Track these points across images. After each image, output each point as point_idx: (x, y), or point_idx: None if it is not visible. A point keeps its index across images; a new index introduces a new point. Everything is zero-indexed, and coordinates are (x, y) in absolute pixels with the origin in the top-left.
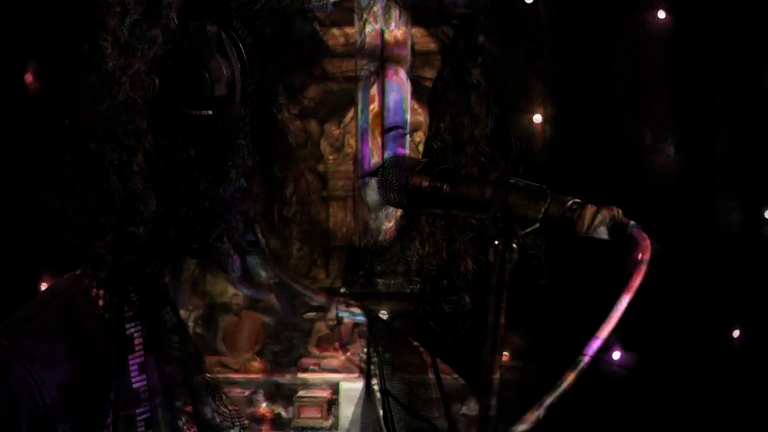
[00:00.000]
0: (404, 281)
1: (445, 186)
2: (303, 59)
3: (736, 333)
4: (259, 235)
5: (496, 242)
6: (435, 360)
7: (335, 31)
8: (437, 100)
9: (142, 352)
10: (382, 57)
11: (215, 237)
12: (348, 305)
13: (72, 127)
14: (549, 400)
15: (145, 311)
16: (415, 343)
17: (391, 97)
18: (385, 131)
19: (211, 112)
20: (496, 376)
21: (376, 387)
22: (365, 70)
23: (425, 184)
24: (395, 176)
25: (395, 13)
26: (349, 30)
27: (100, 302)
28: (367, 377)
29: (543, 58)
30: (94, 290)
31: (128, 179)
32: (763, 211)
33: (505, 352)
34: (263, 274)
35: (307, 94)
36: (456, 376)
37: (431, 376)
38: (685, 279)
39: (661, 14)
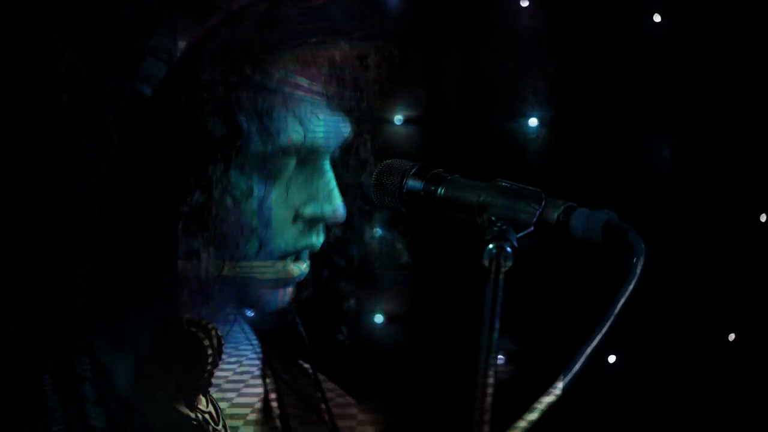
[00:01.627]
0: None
1: (439, 189)
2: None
3: (731, 337)
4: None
5: (491, 246)
6: (315, 372)
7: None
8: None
9: (53, 372)
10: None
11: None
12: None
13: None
14: (524, 423)
15: (63, 387)
16: (305, 366)
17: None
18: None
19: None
20: (491, 380)
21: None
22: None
23: (419, 187)
24: (390, 180)
25: None
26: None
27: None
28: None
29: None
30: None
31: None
32: (759, 215)
33: (499, 356)
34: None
35: None
36: (341, 392)
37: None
38: (680, 283)
39: (657, 18)
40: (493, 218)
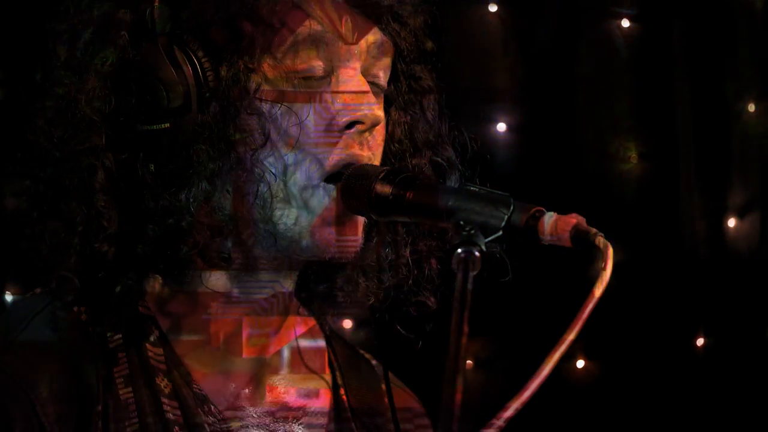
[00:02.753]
0: (366, 290)
1: (408, 194)
2: (255, 62)
3: (700, 341)
4: (229, 250)
5: (459, 250)
6: (387, 374)
7: (286, 31)
8: (391, 105)
9: (126, 365)
10: (335, 55)
11: (185, 253)
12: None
13: (28, 153)
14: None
15: (125, 326)
16: (367, 356)
17: (349, 93)
18: (344, 127)
19: (168, 125)
20: (460, 383)
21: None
22: (320, 67)
23: (388, 191)
24: (358, 185)
25: (343, 8)
26: (300, 29)
27: (83, 317)
28: (335, 393)
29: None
30: (76, 307)
31: (89, 198)
32: (726, 220)
33: (468, 360)
34: (232, 290)
35: (262, 96)
36: (405, 387)
37: (384, 387)
38: (648, 287)
39: (625, 23)
40: (461, 222)
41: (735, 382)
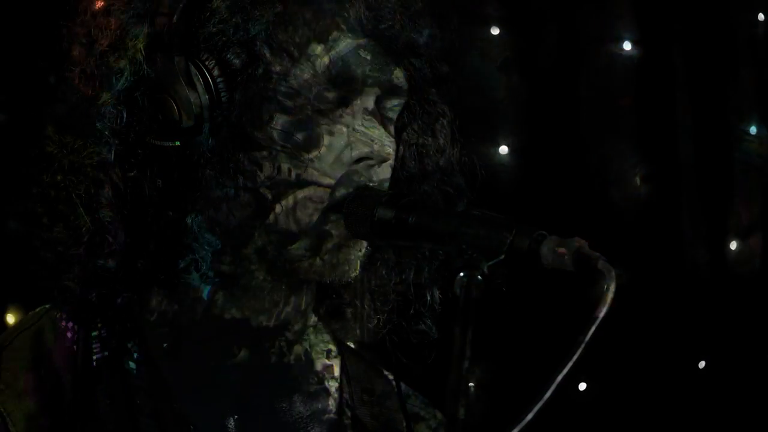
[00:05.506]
0: (371, 312)
1: (410, 218)
2: (271, 89)
3: (701, 364)
4: (227, 267)
5: (461, 274)
6: (399, 385)
7: (304, 61)
8: (403, 129)
9: (108, 383)
10: (350, 88)
11: (183, 268)
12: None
13: (38, 159)
14: None
15: (112, 343)
16: (385, 372)
17: (360, 128)
18: (353, 162)
19: (178, 143)
20: (462, 406)
21: (348, 413)
22: (334, 99)
23: (390, 216)
24: (361, 209)
25: (362, 43)
26: (319, 62)
27: (69, 334)
28: (339, 406)
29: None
30: (63, 323)
31: (96, 211)
32: (728, 243)
33: (470, 383)
34: (230, 311)
35: (276, 125)
36: (420, 399)
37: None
38: (650, 310)
39: (627, 46)
40: (464, 246)
41: (737, 404)
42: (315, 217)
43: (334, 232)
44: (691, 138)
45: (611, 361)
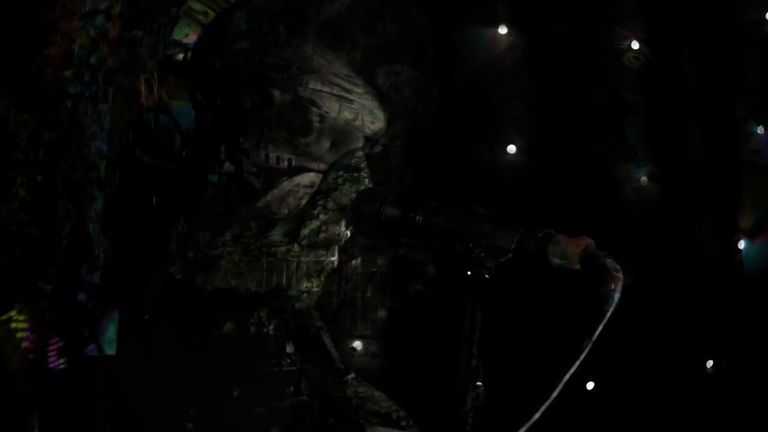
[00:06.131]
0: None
1: (417, 216)
2: (280, 134)
3: (710, 363)
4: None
5: (468, 273)
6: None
7: (315, 112)
8: None
9: (67, 389)
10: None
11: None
12: None
13: (38, 155)
14: None
15: (71, 350)
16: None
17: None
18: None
19: (174, 167)
20: (468, 407)
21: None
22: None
23: (397, 214)
24: (368, 208)
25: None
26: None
27: (26, 344)
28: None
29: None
30: (20, 333)
31: (82, 225)
32: (737, 242)
33: (478, 382)
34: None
35: (280, 163)
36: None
37: None
38: (658, 309)
39: (635, 45)
40: (471, 245)
41: (746, 402)
42: (304, 201)
43: (321, 216)
44: (699, 137)
45: (618, 360)
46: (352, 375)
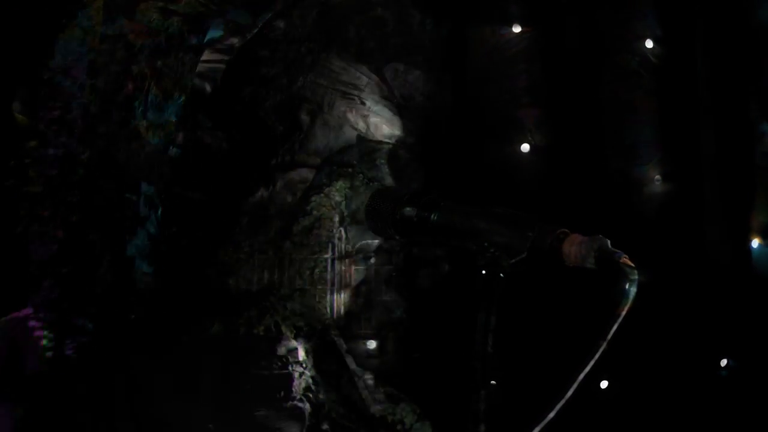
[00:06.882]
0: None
1: (432, 215)
2: (310, 157)
3: (723, 362)
4: None
5: (484, 272)
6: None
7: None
8: None
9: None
10: None
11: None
12: None
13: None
14: None
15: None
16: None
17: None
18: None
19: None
20: (483, 403)
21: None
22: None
23: (413, 213)
24: (383, 207)
25: None
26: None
27: (42, 342)
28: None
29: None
30: (36, 332)
31: (84, 231)
32: (750, 241)
33: (492, 381)
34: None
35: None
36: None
37: None
38: (672, 308)
39: (649, 44)
40: (486, 244)
41: (759, 403)
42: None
43: (315, 212)
44: (713, 136)
45: (633, 360)
46: (368, 375)
